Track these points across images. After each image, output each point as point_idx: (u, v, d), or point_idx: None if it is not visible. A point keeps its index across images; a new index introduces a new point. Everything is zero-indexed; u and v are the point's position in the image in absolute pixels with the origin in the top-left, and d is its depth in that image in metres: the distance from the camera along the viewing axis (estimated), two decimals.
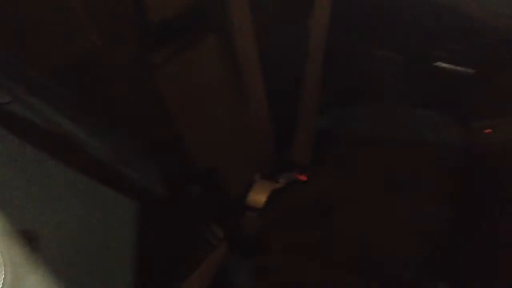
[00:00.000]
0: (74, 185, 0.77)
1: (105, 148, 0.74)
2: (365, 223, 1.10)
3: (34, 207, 0.72)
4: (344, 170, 1.25)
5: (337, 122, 1.43)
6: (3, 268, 0.66)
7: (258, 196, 1.14)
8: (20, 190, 0.70)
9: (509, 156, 1.31)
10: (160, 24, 0.94)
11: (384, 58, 1.50)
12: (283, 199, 1.17)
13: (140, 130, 0.87)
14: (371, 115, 1.46)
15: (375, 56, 1.51)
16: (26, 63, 0.65)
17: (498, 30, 1.31)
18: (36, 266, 0.71)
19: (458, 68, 1.40)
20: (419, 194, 1.15)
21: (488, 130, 1.45)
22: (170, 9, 0.95)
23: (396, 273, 1.01)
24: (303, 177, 1.22)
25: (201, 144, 1.05)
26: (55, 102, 0.66)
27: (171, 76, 0.98)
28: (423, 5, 1.39)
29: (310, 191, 1.20)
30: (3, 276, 0.66)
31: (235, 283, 1.01)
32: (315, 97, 1.24)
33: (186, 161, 1.01)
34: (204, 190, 1.03)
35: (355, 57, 1.54)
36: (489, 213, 1.27)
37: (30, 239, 0.70)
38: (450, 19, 1.37)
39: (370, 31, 1.48)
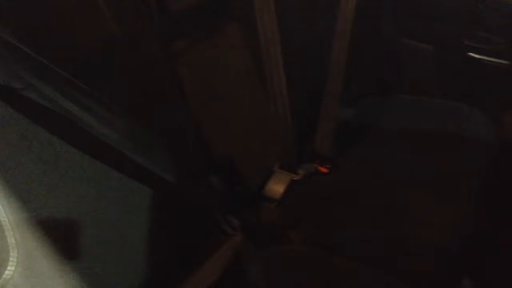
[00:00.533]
0: (88, 171, 0.77)
1: (121, 137, 0.74)
2: (389, 217, 1.08)
3: (47, 191, 0.72)
4: (368, 163, 1.23)
5: (364, 114, 1.41)
6: (16, 250, 0.68)
7: (277, 187, 1.13)
8: (34, 175, 0.71)
9: None
10: (182, 12, 0.93)
11: (415, 48, 1.46)
12: (303, 190, 1.16)
13: (159, 119, 0.87)
14: (400, 107, 1.44)
15: (405, 47, 1.47)
16: (42, 52, 0.65)
17: None
18: (48, 250, 0.72)
19: (491, 59, 1.35)
20: (445, 189, 1.12)
21: None
22: None
23: (421, 269, 0.98)
24: (324, 169, 1.21)
25: (220, 133, 1.04)
26: (70, 91, 0.66)
27: (192, 64, 0.98)
28: None
29: (331, 182, 1.19)
30: (16, 258, 0.68)
31: (249, 272, 1.00)
32: (339, 87, 1.21)
33: (205, 150, 1.01)
34: (222, 180, 1.03)
35: (385, 48, 1.51)
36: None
37: (42, 223, 0.71)
38: (483, 9, 1.32)
39: (401, 21, 1.45)
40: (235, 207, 1.04)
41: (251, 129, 1.13)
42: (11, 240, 0.67)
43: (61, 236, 0.74)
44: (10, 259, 0.67)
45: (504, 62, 1.34)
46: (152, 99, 0.87)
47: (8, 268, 0.67)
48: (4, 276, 0.67)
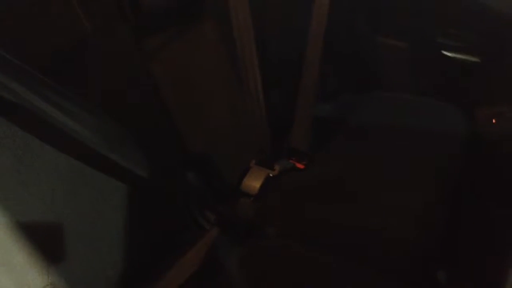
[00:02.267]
0: (62, 168, 0.78)
1: (95, 134, 0.75)
2: (363, 210, 1.10)
3: (24, 191, 0.73)
4: (343, 158, 1.25)
5: (340, 109, 1.42)
6: None
7: (253, 182, 1.15)
8: (9, 173, 0.72)
9: None
10: (156, 8, 0.94)
11: (390, 46, 1.49)
12: (278, 185, 1.17)
13: (133, 116, 0.88)
14: (375, 103, 1.45)
15: (380, 44, 1.50)
16: (13, 50, 0.66)
17: (503, 17, 1.28)
18: (24, 246, 0.73)
19: (463, 56, 1.38)
20: (419, 183, 1.14)
21: (493, 119, 1.44)
22: None
23: (394, 261, 1.01)
24: (300, 165, 1.23)
25: (196, 129, 1.05)
26: (42, 90, 0.67)
27: (166, 62, 0.98)
28: None
29: (307, 178, 1.21)
30: None
31: (225, 267, 1.02)
32: (315, 84, 1.23)
33: (181, 146, 1.02)
34: (199, 175, 1.05)
35: (361, 45, 1.53)
36: (490, 201, 1.26)
37: (18, 220, 0.72)
38: (455, 7, 1.35)
39: (375, 19, 1.47)
40: (211, 202, 1.06)
41: (227, 125, 1.14)
42: None
43: (38, 233, 0.75)
44: None
45: (476, 59, 1.37)
46: (125, 97, 0.88)
47: None
48: None
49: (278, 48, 1.25)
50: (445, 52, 1.41)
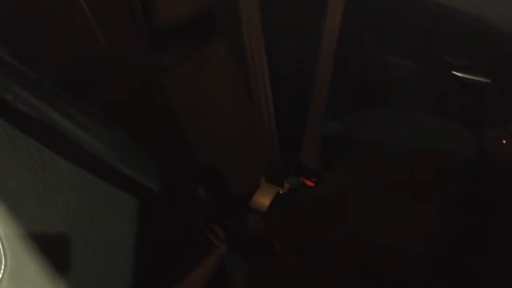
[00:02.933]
0: (76, 181, 0.79)
1: (109, 148, 0.76)
2: (370, 228, 1.10)
3: (37, 201, 0.74)
4: (353, 176, 1.25)
5: (349, 127, 1.43)
6: (3, 257, 0.69)
7: (262, 199, 1.15)
8: (23, 185, 0.73)
9: None
10: (169, 26, 0.96)
11: (397, 64, 1.50)
12: (288, 202, 1.18)
13: (146, 130, 0.89)
14: (384, 121, 1.46)
15: (388, 62, 1.51)
16: (29, 63, 0.67)
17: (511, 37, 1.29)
18: (36, 258, 0.73)
19: (472, 76, 1.39)
20: (427, 202, 1.14)
21: (503, 140, 1.44)
22: (179, 12, 0.98)
23: (400, 277, 1.01)
24: (310, 183, 1.23)
25: (207, 145, 1.06)
26: (58, 103, 0.68)
27: (178, 78, 1.00)
28: (438, 12, 1.38)
29: (316, 195, 1.21)
30: (3, 265, 0.69)
31: (234, 283, 1.02)
32: (325, 101, 1.24)
33: (191, 162, 1.03)
34: (209, 191, 1.05)
35: (368, 63, 1.54)
36: (496, 219, 1.26)
37: (31, 231, 0.72)
38: (465, 27, 1.36)
39: (383, 38, 1.48)
40: (220, 218, 1.06)
41: (238, 142, 1.15)
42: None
43: (50, 245, 0.76)
44: None
45: (484, 79, 1.38)
46: (138, 111, 0.89)
47: None
48: None
49: (289, 66, 1.27)
50: (453, 72, 1.42)
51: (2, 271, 0.69)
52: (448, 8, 1.35)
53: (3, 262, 0.69)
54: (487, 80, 1.39)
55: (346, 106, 1.46)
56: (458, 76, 1.41)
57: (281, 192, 1.18)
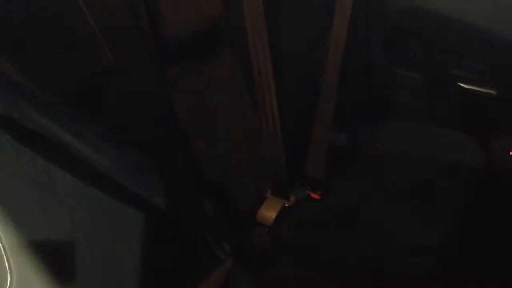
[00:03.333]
0: (82, 196, 0.79)
1: (114, 163, 0.76)
2: (377, 241, 1.10)
3: (43, 216, 0.74)
4: (358, 188, 1.25)
5: (356, 139, 1.43)
6: (9, 273, 0.69)
7: (268, 213, 1.14)
8: (29, 200, 0.72)
9: None
10: (176, 40, 0.96)
11: (405, 76, 1.50)
12: (294, 216, 1.17)
13: (150, 145, 0.89)
14: (390, 132, 1.46)
15: (395, 74, 1.51)
16: (37, 81, 0.67)
17: None
18: (42, 273, 0.73)
19: (479, 88, 1.39)
20: (434, 214, 1.14)
21: (510, 152, 1.43)
22: (186, 25, 0.98)
23: None
24: (315, 195, 1.22)
25: (212, 158, 1.06)
26: (64, 120, 0.68)
27: (184, 91, 1.00)
28: (445, 24, 1.38)
29: (322, 208, 1.20)
30: (9, 281, 0.69)
31: None
32: (331, 113, 1.24)
33: (197, 175, 1.03)
34: (214, 205, 1.05)
35: (375, 74, 1.54)
36: (505, 232, 1.25)
37: (37, 246, 0.72)
38: (472, 40, 1.36)
39: (390, 50, 1.48)
40: (226, 232, 1.06)
41: (243, 154, 1.15)
42: (5, 263, 0.68)
43: (56, 260, 0.75)
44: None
45: (491, 91, 1.37)
46: (143, 126, 0.89)
47: None
48: None
49: (295, 77, 1.26)
50: (460, 84, 1.41)
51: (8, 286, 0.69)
52: (454, 21, 1.35)
53: (9, 277, 0.69)
54: (494, 92, 1.38)
55: (353, 118, 1.46)
56: (465, 88, 1.41)
57: (287, 205, 1.17)
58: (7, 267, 0.68)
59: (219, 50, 1.09)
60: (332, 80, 1.22)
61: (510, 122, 1.41)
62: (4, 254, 0.68)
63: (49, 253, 0.74)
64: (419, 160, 1.30)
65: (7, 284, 0.67)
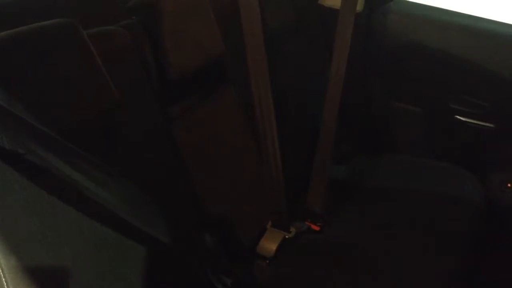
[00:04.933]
0: (85, 230, 0.80)
1: (116, 199, 0.77)
2: (378, 275, 1.09)
3: (47, 253, 0.75)
4: (358, 221, 1.26)
5: (356, 172, 1.44)
6: None
7: (269, 245, 1.15)
8: (34, 233, 0.74)
9: None
10: (180, 77, 0.98)
11: (404, 110, 1.52)
12: (295, 248, 1.17)
13: (153, 181, 0.90)
14: (389, 165, 1.47)
15: (395, 108, 1.53)
16: (41, 116, 0.69)
17: None
18: None
19: (477, 122, 1.41)
20: (433, 248, 1.14)
21: (508, 184, 1.44)
22: (190, 64, 1.00)
23: None
24: (316, 227, 1.23)
25: (213, 192, 1.07)
26: (69, 156, 0.70)
27: (186, 127, 1.02)
28: (444, 59, 1.41)
29: (323, 241, 1.21)
30: None
31: None
32: (330, 146, 1.26)
33: (198, 208, 1.04)
34: (215, 238, 1.05)
35: (375, 108, 1.56)
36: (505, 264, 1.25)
37: (40, 278, 0.73)
38: (469, 75, 1.38)
39: (389, 84, 1.51)
40: (227, 265, 1.06)
41: (244, 187, 1.16)
42: (4, 285, 0.69)
43: (53, 286, 0.76)
44: None
45: (489, 125, 1.39)
46: (147, 162, 0.90)
47: None
48: None
49: (295, 112, 1.29)
50: (458, 117, 1.44)
51: None
52: (452, 57, 1.38)
53: None
54: (491, 125, 1.40)
55: (352, 151, 1.48)
56: (463, 121, 1.43)
57: (287, 237, 1.18)
58: None
59: (221, 87, 1.11)
60: (332, 115, 1.25)
61: (508, 155, 1.42)
62: (3, 276, 0.69)
63: (47, 280, 0.74)
64: (418, 194, 1.31)
65: None
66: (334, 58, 1.24)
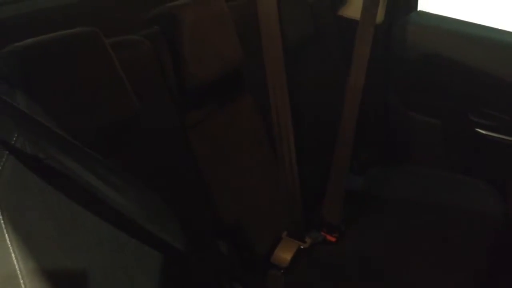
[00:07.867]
0: (102, 236, 0.81)
1: (133, 205, 0.78)
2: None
3: (64, 258, 0.76)
4: (374, 233, 1.25)
5: (373, 183, 1.43)
6: None
7: (284, 255, 1.15)
8: (52, 239, 0.75)
9: None
10: (198, 86, 1.00)
11: (422, 122, 1.51)
12: (309, 259, 1.17)
13: (170, 187, 0.91)
14: (407, 178, 1.46)
15: (413, 120, 1.52)
16: (63, 124, 0.71)
17: None
18: None
19: (497, 135, 1.39)
20: (449, 261, 1.12)
21: None
22: (209, 73, 1.01)
23: None
24: (331, 238, 1.22)
25: (230, 200, 1.08)
26: (87, 162, 0.71)
27: (205, 135, 1.03)
28: (462, 71, 1.40)
29: (338, 252, 1.20)
30: None
31: None
32: (348, 156, 1.25)
33: (214, 216, 1.04)
34: (230, 246, 1.05)
35: (393, 119, 1.55)
36: None
37: (53, 276, 0.74)
38: (489, 88, 1.37)
39: (408, 96, 1.50)
40: (241, 274, 1.06)
41: (260, 197, 1.16)
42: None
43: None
44: None
45: (508, 138, 1.37)
46: (165, 169, 0.92)
47: None
48: None
49: (313, 121, 1.29)
50: (478, 130, 1.42)
51: None
52: (472, 69, 1.37)
53: None
54: (511, 138, 1.38)
55: (370, 162, 1.47)
56: (483, 134, 1.41)
57: (302, 247, 1.18)
58: None
59: (239, 96, 1.12)
60: (349, 125, 1.25)
61: None
62: (20, 278, 0.70)
63: (63, 284, 0.76)
64: (436, 206, 1.29)
65: None
66: (352, 69, 1.24)
